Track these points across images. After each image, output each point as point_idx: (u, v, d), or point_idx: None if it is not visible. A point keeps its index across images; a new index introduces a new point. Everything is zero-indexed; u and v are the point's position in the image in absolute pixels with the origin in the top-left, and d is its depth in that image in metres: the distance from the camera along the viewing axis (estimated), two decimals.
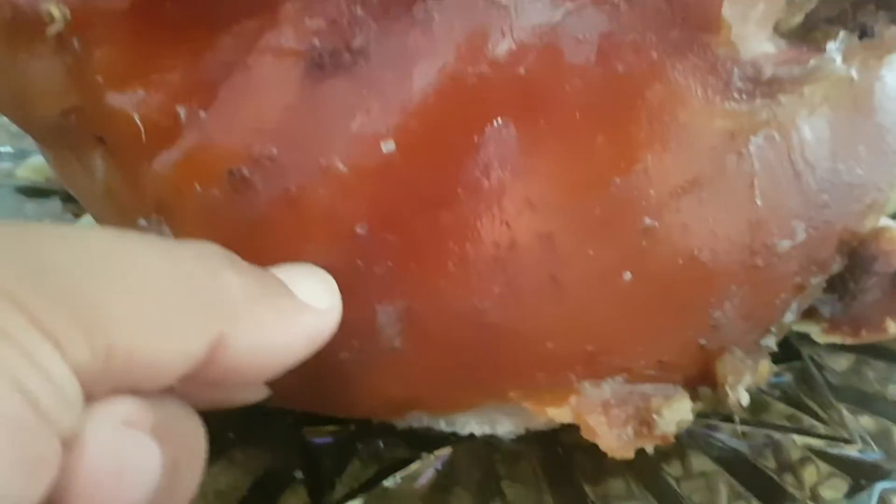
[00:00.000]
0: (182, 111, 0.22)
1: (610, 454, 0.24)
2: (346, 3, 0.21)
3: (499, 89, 0.21)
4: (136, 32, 0.21)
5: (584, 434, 0.24)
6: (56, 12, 0.20)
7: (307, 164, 0.21)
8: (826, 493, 0.25)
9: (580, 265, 0.23)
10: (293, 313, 0.19)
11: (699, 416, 0.26)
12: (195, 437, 0.18)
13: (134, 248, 0.16)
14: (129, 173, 0.23)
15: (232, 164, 0.22)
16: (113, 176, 0.23)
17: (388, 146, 0.21)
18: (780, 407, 0.29)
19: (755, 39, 0.23)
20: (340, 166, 0.21)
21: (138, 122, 0.22)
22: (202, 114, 0.22)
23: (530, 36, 0.21)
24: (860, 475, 0.25)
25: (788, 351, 0.31)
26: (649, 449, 0.25)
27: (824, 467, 0.26)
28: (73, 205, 0.36)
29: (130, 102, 0.22)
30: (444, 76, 0.21)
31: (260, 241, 0.22)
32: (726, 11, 0.22)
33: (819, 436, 0.27)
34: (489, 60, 0.21)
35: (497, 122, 0.22)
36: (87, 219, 0.33)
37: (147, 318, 0.15)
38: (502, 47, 0.21)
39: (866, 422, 0.27)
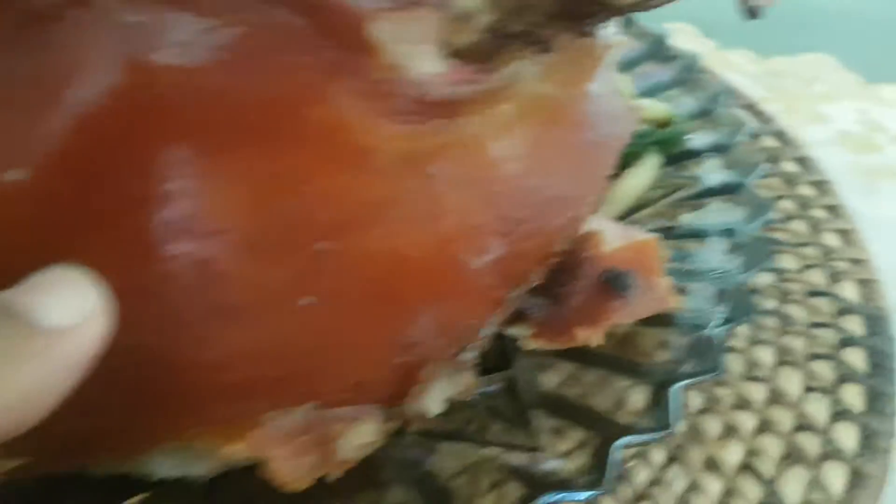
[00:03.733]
0: None
1: (285, 488, 0.22)
2: None
3: (139, 114, 0.19)
4: None
5: (260, 469, 0.22)
6: None
7: None
8: None
9: (249, 291, 0.21)
10: (44, 352, 0.16)
11: (417, 434, 0.25)
12: None
13: None
14: None
15: None
16: None
17: (14, 174, 0.18)
18: (489, 423, 0.28)
19: (421, 56, 0.22)
20: None
21: None
22: None
23: (165, 57, 0.19)
24: (540, 487, 0.24)
25: (502, 361, 0.30)
26: (332, 477, 0.23)
27: (515, 483, 0.25)
28: None
29: None
30: (78, 102, 0.18)
31: None
32: (375, 31, 0.20)
33: (514, 447, 0.26)
34: (123, 85, 0.18)
35: (142, 147, 0.19)
36: None
37: None
38: (132, 68, 0.18)
39: (567, 433, 0.26)
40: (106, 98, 0.19)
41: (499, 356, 0.30)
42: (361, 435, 0.23)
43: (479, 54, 0.23)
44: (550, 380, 0.29)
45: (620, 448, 0.25)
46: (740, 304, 0.30)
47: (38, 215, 0.19)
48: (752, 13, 0.22)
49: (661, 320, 0.30)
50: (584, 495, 0.23)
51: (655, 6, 0.23)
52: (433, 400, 0.25)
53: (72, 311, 0.17)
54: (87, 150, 0.19)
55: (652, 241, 0.30)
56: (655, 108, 0.39)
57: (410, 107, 0.22)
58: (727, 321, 0.29)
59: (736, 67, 0.62)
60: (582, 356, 0.30)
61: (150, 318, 0.20)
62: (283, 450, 0.22)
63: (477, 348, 0.27)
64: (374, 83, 0.21)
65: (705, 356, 0.27)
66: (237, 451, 0.22)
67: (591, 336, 0.28)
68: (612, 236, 0.30)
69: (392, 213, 0.23)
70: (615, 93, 0.32)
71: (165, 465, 0.25)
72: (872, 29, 0.66)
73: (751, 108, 0.51)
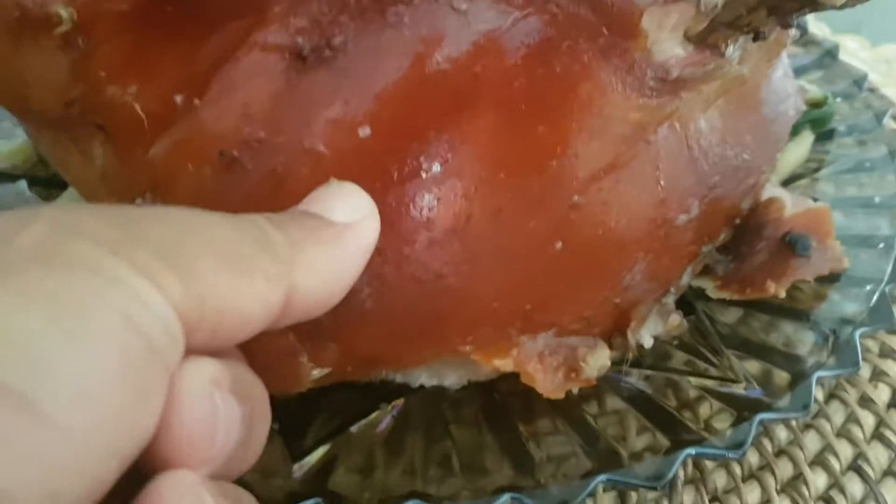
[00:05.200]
0: (178, 100, 0.23)
1: (545, 395, 0.26)
2: (327, 6, 0.22)
3: (459, 83, 0.23)
4: (136, 31, 0.22)
5: (524, 380, 0.27)
6: (64, 14, 0.21)
7: (292, 146, 0.22)
8: (717, 424, 0.27)
9: (522, 236, 0.25)
10: (338, 239, 0.20)
11: (613, 363, 0.29)
12: (262, 396, 0.18)
13: (204, 216, 0.17)
14: (127, 157, 0.23)
15: (223, 146, 0.23)
16: (111, 160, 0.24)
17: (364, 131, 0.22)
18: (679, 355, 0.31)
19: (668, 44, 0.25)
20: (322, 148, 0.22)
21: (139, 111, 0.22)
22: (196, 102, 0.23)
23: (484, 39, 0.23)
24: (744, 409, 0.27)
25: (685, 306, 0.33)
26: (575, 390, 0.27)
27: (715, 404, 0.28)
28: (39, 188, 0.36)
29: (131, 94, 0.22)
30: (413, 71, 0.22)
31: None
32: (644, 22, 0.24)
33: (711, 377, 0.30)
34: (450, 58, 0.22)
35: (457, 111, 0.23)
36: (62, 199, 0.33)
37: (230, 271, 0.16)
38: (461, 48, 0.23)
39: (751, 365, 0.30)
40: (418, 72, 0.23)
41: (679, 304, 0.33)
42: (600, 359, 0.27)
43: (706, 40, 0.27)
44: (727, 321, 0.33)
45: (815, 380, 0.28)
46: None
47: (373, 167, 0.23)
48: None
49: (826, 277, 0.33)
50: (792, 415, 0.27)
51: (855, 5, 0.26)
52: (646, 335, 0.29)
53: (354, 211, 0.21)
54: (409, 116, 0.23)
55: (825, 208, 0.33)
56: (808, 89, 0.42)
57: (653, 84, 0.26)
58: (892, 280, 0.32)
59: (850, 53, 0.63)
60: (753, 304, 0.33)
61: (453, 254, 0.24)
62: (540, 366, 0.26)
63: (676, 294, 0.31)
64: (633, 63, 0.25)
65: (877, 310, 0.31)
66: (505, 364, 0.26)
67: (778, 289, 0.31)
68: (788, 203, 0.33)
69: (624, 173, 0.27)
70: (788, 74, 0.35)
71: (423, 376, 0.29)
72: None
73: (873, 92, 0.53)
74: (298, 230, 0.19)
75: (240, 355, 0.19)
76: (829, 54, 0.45)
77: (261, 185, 0.23)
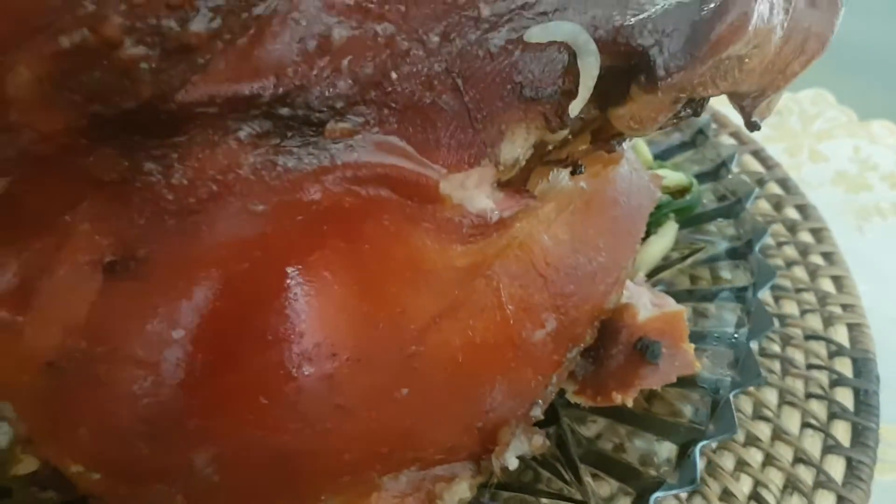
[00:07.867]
0: (3, 316, 0.24)
1: None
2: (127, 221, 0.23)
3: (265, 280, 0.24)
4: None
5: None
6: None
7: (112, 353, 0.23)
8: None
9: (360, 392, 0.26)
10: None
11: (481, 486, 0.30)
12: None
13: None
14: None
15: (49, 357, 0.24)
16: None
17: (177, 334, 0.23)
18: (541, 472, 0.32)
19: (478, 196, 0.26)
20: (140, 353, 0.23)
21: None
22: (19, 318, 0.24)
23: (288, 232, 0.24)
24: None
25: (551, 414, 0.34)
26: None
27: None
28: None
29: None
30: (218, 275, 0.23)
31: (79, 417, 0.24)
32: (444, 188, 0.25)
33: (565, 499, 0.30)
34: (252, 258, 0.23)
35: (270, 306, 0.24)
36: None
37: None
38: (264, 248, 0.23)
39: (604, 485, 0.31)
40: (236, 268, 0.24)
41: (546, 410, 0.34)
42: (459, 492, 0.28)
43: (522, 180, 0.28)
44: (589, 432, 0.34)
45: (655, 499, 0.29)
46: (749, 369, 0.34)
47: (191, 364, 0.24)
48: (754, 126, 0.26)
49: (684, 380, 0.34)
50: None
51: (669, 127, 0.27)
52: (510, 457, 0.30)
53: None
54: (214, 316, 0.24)
55: (680, 312, 0.34)
56: (673, 177, 0.43)
57: (473, 231, 0.27)
58: (739, 384, 0.33)
59: None
60: (614, 413, 0.34)
61: (289, 424, 0.25)
62: None
63: (544, 404, 0.32)
64: (444, 221, 0.26)
65: (722, 417, 0.31)
66: None
67: (625, 398, 0.32)
68: (646, 303, 0.34)
69: (464, 312, 0.28)
70: (638, 169, 0.36)
71: None
72: (864, 62, 0.67)
73: (757, 154, 0.54)
74: None
75: None
76: (701, 132, 0.46)
77: (88, 389, 0.24)
